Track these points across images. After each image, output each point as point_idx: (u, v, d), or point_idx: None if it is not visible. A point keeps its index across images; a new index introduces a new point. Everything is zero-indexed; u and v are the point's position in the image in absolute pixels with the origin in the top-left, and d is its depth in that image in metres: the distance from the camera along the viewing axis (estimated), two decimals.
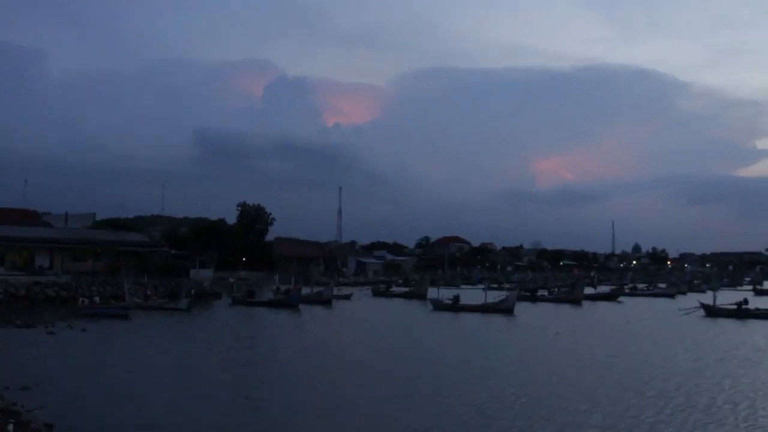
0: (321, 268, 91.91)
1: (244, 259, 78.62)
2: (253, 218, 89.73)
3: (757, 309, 36.60)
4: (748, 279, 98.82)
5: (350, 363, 19.88)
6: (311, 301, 44.10)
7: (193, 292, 43.34)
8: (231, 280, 57.54)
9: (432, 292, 48.57)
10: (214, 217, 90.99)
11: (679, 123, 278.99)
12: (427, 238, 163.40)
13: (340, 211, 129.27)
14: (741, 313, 35.83)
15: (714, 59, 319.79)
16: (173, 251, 67.45)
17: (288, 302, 41.06)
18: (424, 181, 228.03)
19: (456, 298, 40.98)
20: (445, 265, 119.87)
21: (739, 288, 77.09)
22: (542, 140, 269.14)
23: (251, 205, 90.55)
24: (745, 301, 37.31)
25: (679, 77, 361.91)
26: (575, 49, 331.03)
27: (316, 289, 48.14)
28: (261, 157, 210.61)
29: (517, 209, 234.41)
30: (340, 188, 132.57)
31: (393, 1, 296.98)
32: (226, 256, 73.13)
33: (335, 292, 50.24)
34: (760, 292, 62.79)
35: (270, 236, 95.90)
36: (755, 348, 23.52)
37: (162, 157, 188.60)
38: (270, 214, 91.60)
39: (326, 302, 44.67)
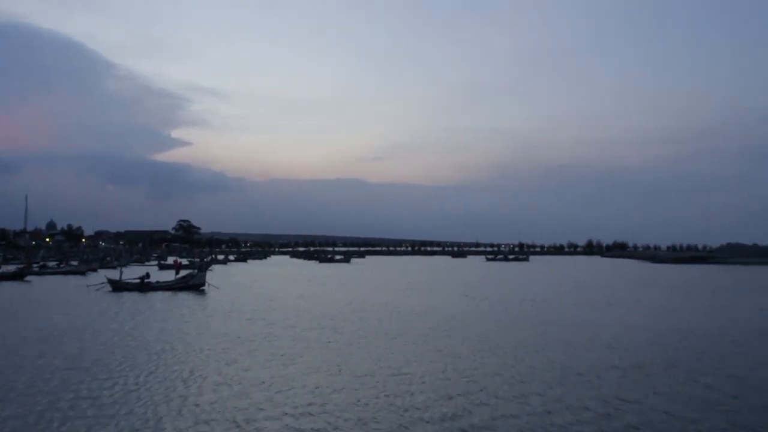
0: None
1: None
2: None
3: (157, 282, 40.87)
4: (155, 255, 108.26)
5: None
6: None
7: None
8: None
9: None
10: None
11: (103, 102, 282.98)
12: None
13: None
14: (143, 286, 39.35)
15: (142, 46, 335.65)
16: None
17: None
18: None
19: None
20: None
21: (147, 263, 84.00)
22: None
23: None
24: (147, 276, 41.31)
25: (108, 57, 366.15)
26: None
27: None
28: None
29: None
30: None
31: None
32: None
33: None
34: (164, 267, 69.61)
35: None
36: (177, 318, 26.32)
37: None
38: None
39: None
